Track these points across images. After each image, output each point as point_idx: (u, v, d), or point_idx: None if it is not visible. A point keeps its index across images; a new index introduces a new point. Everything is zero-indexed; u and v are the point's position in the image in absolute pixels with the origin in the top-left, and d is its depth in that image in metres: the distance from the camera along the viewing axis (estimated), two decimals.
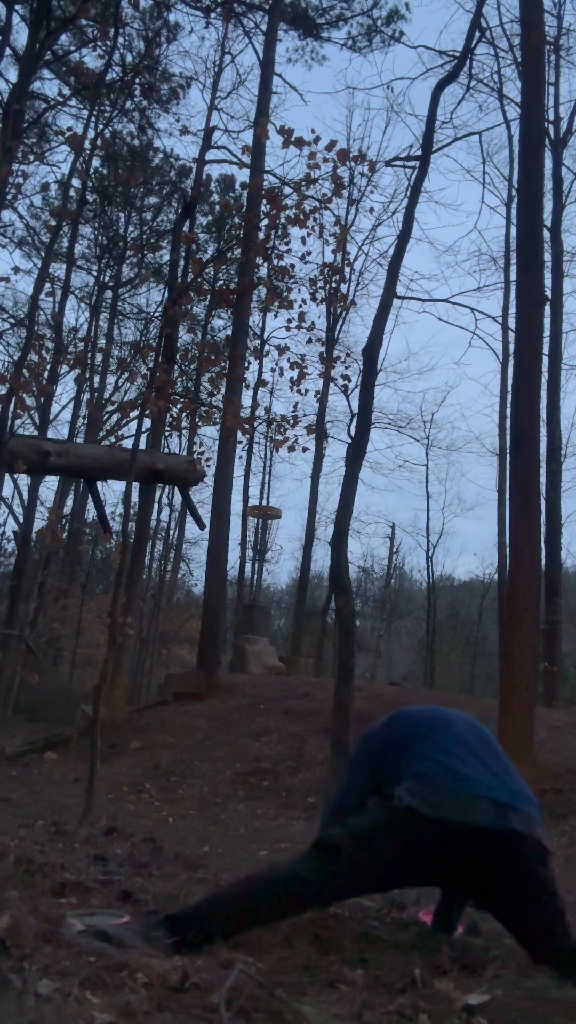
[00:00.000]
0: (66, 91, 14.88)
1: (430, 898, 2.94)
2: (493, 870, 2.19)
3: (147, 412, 6.88)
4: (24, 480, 16.04)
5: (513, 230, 15.16)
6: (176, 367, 9.70)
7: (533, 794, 2.36)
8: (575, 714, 11.18)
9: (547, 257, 13.98)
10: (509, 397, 12.67)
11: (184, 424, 7.85)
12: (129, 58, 14.40)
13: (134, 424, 10.39)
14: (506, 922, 2.29)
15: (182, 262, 11.45)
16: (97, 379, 21.80)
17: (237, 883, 2.46)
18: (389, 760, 2.43)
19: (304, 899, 2.27)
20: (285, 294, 7.87)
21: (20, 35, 13.21)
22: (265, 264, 7.32)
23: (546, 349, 13.49)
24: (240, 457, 17.68)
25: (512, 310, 13.90)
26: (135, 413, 7.32)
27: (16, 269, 8.79)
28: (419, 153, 7.46)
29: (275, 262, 7.12)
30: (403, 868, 2.28)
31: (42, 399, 16.07)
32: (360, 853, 2.23)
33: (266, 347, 17.37)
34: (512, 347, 12.02)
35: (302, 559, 21.56)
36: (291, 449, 7.45)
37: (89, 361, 18.96)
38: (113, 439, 19.82)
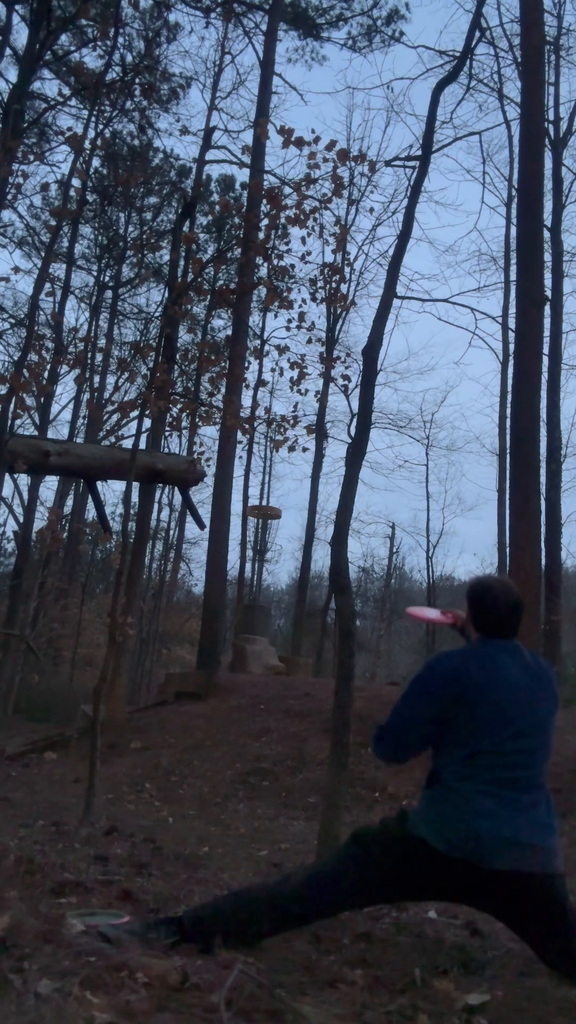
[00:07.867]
0: (66, 91, 14.88)
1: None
2: (506, 901, 2.19)
3: (147, 412, 6.88)
4: (24, 480, 16.06)
5: (513, 230, 15.20)
6: (176, 367, 9.69)
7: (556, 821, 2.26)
8: (575, 714, 11.16)
9: (547, 257, 13.99)
10: (509, 397, 12.71)
11: (184, 424, 7.85)
12: (129, 58, 14.42)
13: (134, 424, 10.39)
14: (516, 931, 2.29)
15: (182, 262, 11.44)
16: (97, 379, 21.81)
17: (238, 894, 2.46)
18: (450, 704, 2.27)
19: (306, 916, 2.27)
20: (285, 294, 7.87)
21: (20, 35, 13.22)
22: (265, 264, 7.32)
23: (546, 349, 13.47)
24: (240, 457, 17.69)
25: (512, 310, 13.93)
26: (135, 413, 7.31)
27: (16, 269, 8.75)
28: (419, 153, 7.45)
29: (275, 262, 7.11)
30: (409, 888, 2.27)
31: (42, 399, 16.05)
32: (368, 873, 2.22)
33: (266, 347, 17.34)
34: (512, 347, 12.04)
35: (302, 559, 21.58)
36: (291, 449, 7.45)
37: (89, 361, 18.96)
38: (113, 439, 19.84)
